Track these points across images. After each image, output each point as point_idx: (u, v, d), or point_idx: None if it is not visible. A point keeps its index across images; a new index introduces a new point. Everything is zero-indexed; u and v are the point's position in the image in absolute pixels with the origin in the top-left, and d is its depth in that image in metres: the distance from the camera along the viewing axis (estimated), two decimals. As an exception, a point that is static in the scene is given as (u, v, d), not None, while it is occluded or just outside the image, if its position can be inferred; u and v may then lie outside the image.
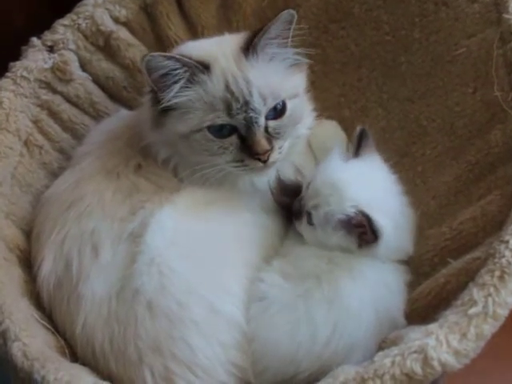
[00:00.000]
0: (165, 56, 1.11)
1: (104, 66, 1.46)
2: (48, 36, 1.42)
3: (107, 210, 1.14)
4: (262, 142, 1.13)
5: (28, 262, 1.21)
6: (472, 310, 0.89)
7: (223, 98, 1.13)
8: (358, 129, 1.21)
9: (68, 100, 1.43)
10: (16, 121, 1.32)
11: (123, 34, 1.46)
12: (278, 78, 1.17)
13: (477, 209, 1.12)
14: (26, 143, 1.34)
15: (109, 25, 1.44)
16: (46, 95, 1.39)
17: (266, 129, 1.15)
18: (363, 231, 1.08)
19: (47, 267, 1.14)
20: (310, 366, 1.04)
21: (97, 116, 1.45)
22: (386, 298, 1.09)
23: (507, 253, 0.94)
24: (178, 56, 1.12)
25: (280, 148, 1.17)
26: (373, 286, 1.09)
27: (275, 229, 1.21)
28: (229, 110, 1.12)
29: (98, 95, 1.46)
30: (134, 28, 1.48)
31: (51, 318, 1.15)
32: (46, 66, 1.39)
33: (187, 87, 1.13)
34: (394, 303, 1.10)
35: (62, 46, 1.41)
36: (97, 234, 1.12)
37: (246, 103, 1.12)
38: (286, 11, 1.13)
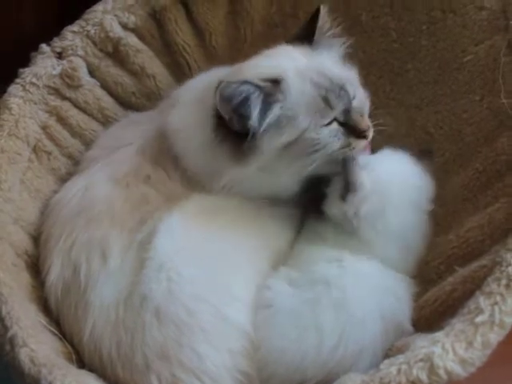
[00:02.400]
0: (238, 83, 1.10)
1: (112, 71, 1.47)
2: (57, 42, 1.42)
3: (117, 219, 1.14)
4: (365, 119, 1.17)
5: (36, 268, 1.21)
6: (478, 319, 0.89)
7: (318, 94, 1.13)
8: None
9: (77, 106, 1.43)
10: (25, 127, 1.33)
11: (132, 40, 1.47)
12: (340, 65, 1.20)
13: (484, 216, 1.11)
14: (34, 149, 1.34)
15: (117, 31, 1.45)
16: (54, 101, 1.40)
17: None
18: None
19: (55, 273, 1.14)
20: (317, 373, 1.04)
21: (105, 122, 1.46)
22: (392, 305, 1.08)
23: (514, 261, 0.94)
24: (250, 80, 1.11)
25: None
26: (380, 293, 1.08)
27: (284, 235, 1.20)
28: (328, 103, 1.13)
29: (106, 101, 1.47)
30: (142, 34, 1.49)
31: (59, 323, 1.15)
32: (55, 73, 1.39)
33: (270, 104, 1.11)
34: (401, 310, 1.09)
35: (70, 52, 1.42)
36: (105, 242, 1.12)
37: (342, 88, 1.14)
38: (321, 6, 1.20)
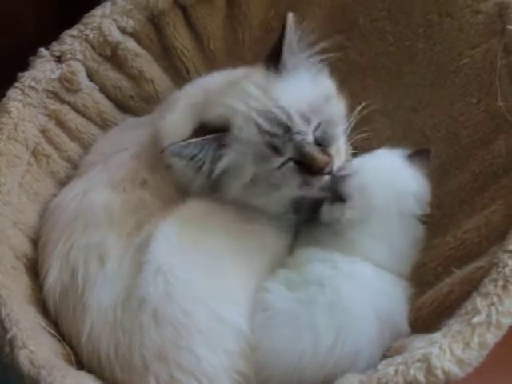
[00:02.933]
0: (183, 145, 1.11)
1: (111, 75, 1.48)
2: (56, 47, 1.43)
3: (114, 224, 1.15)
4: (319, 157, 1.10)
5: (35, 271, 1.22)
6: (475, 319, 0.90)
7: (263, 141, 1.10)
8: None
9: (75, 109, 1.44)
10: (24, 130, 1.33)
11: (130, 44, 1.48)
12: (310, 89, 1.15)
13: (481, 218, 1.12)
14: (33, 152, 1.35)
15: (116, 35, 1.45)
16: (53, 105, 1.40)
17: (316, 142, 1.12)
18: None
19: (53, 276, 1.15)
20: (315, 375, 1.04)
21: (104, 125, 1.46)
22: (387, 306, 1.09)
23: (510, 262, 0.94)
24: (195, 140, 1.11)
25: (338, 150, 1.15)
26: (374, 293, 1.09)
27: (281, 238, 1.21)
28: (275, 150, 1.10)
29: (105, 105, 1.47)
30: (140, 38, 1.49)
31: (57, 325, 1.15)
32: (54, 77, 1.40)
33: (220, 155, 1.12)
34: (396, 310, 1.10)
35: (69, 56, 1.42)
36: (103, 246, 1.13)
37: (288, 130, 1.10)
38: (288, 16, 1.13)
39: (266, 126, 1.10)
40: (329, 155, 1.12)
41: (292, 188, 1.13)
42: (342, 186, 1.14)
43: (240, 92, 1.15)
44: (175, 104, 1.27)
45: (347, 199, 1.13)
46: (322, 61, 1.20)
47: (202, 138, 1.11)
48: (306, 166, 1.11)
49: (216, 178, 1.14)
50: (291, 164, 1.11)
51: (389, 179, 1.17)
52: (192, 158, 1.11)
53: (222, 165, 1.12)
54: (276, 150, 1.09)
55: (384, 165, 1.20)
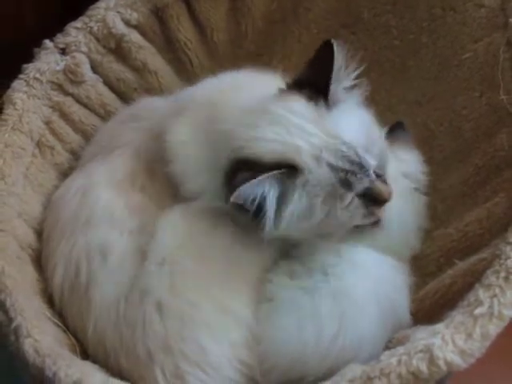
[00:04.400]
0: (253, 184, 0.97)
1: (115, 67, 1.48)
2: (60, 38, 1.43)
3: (116, 223, 1.14)
4: (384, 188, 1.04)
5: (40, 261, 1.22)
6: (478, 311, 0.90)
7: (336, 180, 1.00)
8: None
9: (79, 101, 1.44)
10: (29, 122, 1.33)
11: (134, 36, 1.48)
12: (360, 117, 1.07)
13: (483, 211, 1.13)
14: (38, 144, 1.35)
15: (120, 28, 1.46)
16: (57, 97, 1.40)
17: (376, 174, 1.04)
18: None
19: (59, 275, 1.15)
20: (317, 366, 1.05)
21: (107, 117, 1.46)
22: (390, 296, 1.09)
23: (512, 254, 0.95)
24: (264, 176, 0.98)
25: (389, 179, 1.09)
26: (377, 283, 1.09)
27: None
28: (348, 186, 1.01)
29: (108, 97, 1.48)
30: (144, 31, 1.50)
31: (62, 317, 1.15)
32: (58, 68, 1.40)
33: (287, 198, 1.01)
34: (398, 300, 1.10)
35: (74, 48, 1.42)
36: (105, 243, 1.13)
37: (360, 167, 1.01)
38: (334, 44, 1.03)
39: (339, 163, 1.00)
40: (389, 185, 1.07)
41: (356, 221, 1.07)
42: None
43: (289, 129, 1.02)
44: (182, 114, 1.19)
45: None
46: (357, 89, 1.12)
47: (273, 173, 0.98)
48: (373, 199, 1.04)
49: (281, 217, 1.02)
50: (355, 200, 1.03)
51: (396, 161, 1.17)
52: (261, 199, 0.99)
53: (290, 209, 1.01)
54: (349, 187, 1.01)
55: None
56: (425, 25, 1.38)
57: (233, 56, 1.55)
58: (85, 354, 1.11)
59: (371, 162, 1.02)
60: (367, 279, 1.09)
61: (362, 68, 1.08)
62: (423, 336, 0.92)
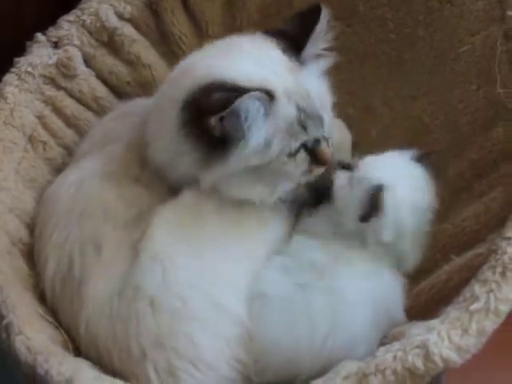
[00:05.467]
0: (245, 99, 1.00)
1: (108, 61, 1.46)
2: (53, 32, 1.42)
3: (110, 216, 1.13)
4: (328, 151, 1.12)
5: (31, 257, 1.21)
6: (473, 306, 0.90)
7: (298, 119, 1.07)
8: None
9: (72, 96, 1.43)
10: (21, 116, 1.32)
11: (127, 30, 1.46)
12: (320, 83, 1.14)
13: (480, 206, 1.12)
14: (30, 138, 1.34)
15: (113, 21, 1.44)
16: (50, 91, 1.39)
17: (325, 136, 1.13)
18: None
19: (51, 269, 1.14)
20: (311, 363, 1.04)
21: (100, 111, 1.45)
22: (383, 294, 1.08)
23: (509, 249, 0.94)
24: (256, 94, 1.01)
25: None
26: (370, 281, 1.09)
27: (279, 224, 1.19)
28: (305, 129, 1.08)
29: (101, 90, 1.46)
30: (138, 24, 1.48)
31: (54, 313, 1.15)
32: (51, 62, 1.39)
33: (264, 122, 1.05)
34: (392, 299, 1.10)
35: (66, 41, 1.41)
36: (99, 236, 1.12)
37: (319, 118, 1.10)
38: (323, 9, 1.09)
39: (305, 103, 1.08)
40: (331, 149, 1.14)
41: (298, 175, 1.12)
42: (377, 202, 1.10)
43: (268, 66, 1.08)
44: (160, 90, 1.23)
45: (380, 216, 1.10)
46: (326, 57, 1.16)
47: (257, 92, 1.02)
48: (316, 156, 1.11)
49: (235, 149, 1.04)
50: (302, 152, 1.10)
51: (418, 199, 1.14)
52: (244, 120, 1.02)
53: (265, 130, 1.05)
54: (305, 130, 1.08)
55: (411, 181, 1.15)
56: (421, 18, 1.38)
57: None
58: (77, 351, 1.10)
59: (326, 119, 1.11)
60: (360, 278, 1.08)
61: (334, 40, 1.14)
62: (419, 332, 0.91)
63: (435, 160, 1.19)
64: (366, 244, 1.12)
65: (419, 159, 1.17)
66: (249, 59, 1.09)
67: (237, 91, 1.01)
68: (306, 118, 1.08)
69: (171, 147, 1.11)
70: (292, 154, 1.09)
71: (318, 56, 1.14)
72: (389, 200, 1.10)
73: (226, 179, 1.09)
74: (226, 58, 1.11)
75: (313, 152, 1.11)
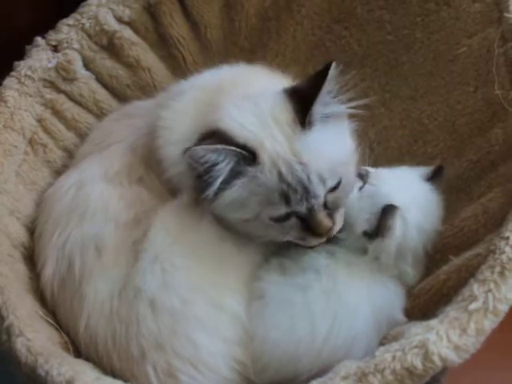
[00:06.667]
0: (209, 149, 1.01)
1: (108, 64, 1.47)
2: (52, 35, 1.42)
3: (110, 216, 1.14)
4: (325, 223, 1.05)
5: (32, 260, 1.21)
6: (472, 306, 0.90)
7: (279, 189, 1.03)
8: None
9: (72, 99, 1.43)
10: (20, 119, 1.33)
11: (127, 33, 1.47)
12: (335, 147, 1.07)
13: (478, 206, 1.12)
14: (30, 142, 1.35)
15: (112, 24, 1.45)
16: (50, 94, 1.40)
17: (325, 204, 1.06)
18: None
19: (50, 269, 1.14)
20: (311, 364, 1.04)
21: (100, 114, 1.46)
22: (382, 296, 1.09)
23: (507, 249, 0.94)
24: (223, 146, 1.02)
25: (341, 216, 1.10)
26: (369, 284, 1.09)
27: None
28: (287, 201, 1.03)
29: (101, 94, 1.47)
30: (137, 27, 1.49)
31: (54, 315, 1.15)
32: (50, 66, 1.40)
33: (234, 179, 1.03)
34: (392, 301, 1.10)
35: (66, 45, 1.42)
36: (100, 237, 1.12)
37: (306, 191, 1.03)
38: (332, 66, 1.02)
39: (289, 177, 1.03)
40: (333, 221, 1.08)
41: (288, 237, 1.09)
42: (387, 222, 1.10)
43: (266, 128, 1.05)
44: (181, 95, 1.21)
45: (387, 236, 1.10)
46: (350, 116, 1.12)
47: (234, 148, 1.02)
48: (310, 227, 1.06)
49: (221, 194, 1.05)
50: (294, 220, 1.06)
51: (427, 223, 1.14)
52: (212, 166, 1.02)
53: (235, 187, 1.04)
54: (287, 202, 1.03)
55: (423, 204, 1.14)
56: (418, 20, 1.38)
57: (226, 53, 1.54)
58: (77, 352, 1.11)
59: (319, 191, 1.04)
60: (360, 283, 1.09)
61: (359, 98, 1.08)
62: (418, 332, 0.91)
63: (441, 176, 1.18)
64: (367, 254, 1.12)
65: (430, 177, 1.17)
66: (254, 116, 1.06)
67: (223, 142, 1.03)
68: (288, 191, 1.03)
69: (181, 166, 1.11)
70: (279, 220, 1.06)
71: (337, 116, 1.07)
72: (399, 223, 1.10)
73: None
74: (235, 107, 1.09)
75: (306, 222, 1.06)
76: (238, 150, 1.02)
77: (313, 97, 1.03)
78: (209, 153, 1.01)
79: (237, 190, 1.04)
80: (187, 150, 1.01)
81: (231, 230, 1.11)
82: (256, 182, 1.03)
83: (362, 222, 1.12)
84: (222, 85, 1.17)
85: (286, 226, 1.06)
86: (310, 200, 1.03)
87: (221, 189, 1.04)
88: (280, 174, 1.03)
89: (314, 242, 1.09)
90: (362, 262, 1.12)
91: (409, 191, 1.14)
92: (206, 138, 1.05)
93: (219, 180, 1.03)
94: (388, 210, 1.09)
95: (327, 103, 1.05)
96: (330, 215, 1.07)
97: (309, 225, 1.06)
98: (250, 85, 1.16)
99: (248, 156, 1.03)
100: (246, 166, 1.03)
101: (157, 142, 1.17)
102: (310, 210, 1.04)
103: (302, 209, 1.04)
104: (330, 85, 1.03)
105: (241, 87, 1.15)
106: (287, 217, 1.05)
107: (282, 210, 1.04)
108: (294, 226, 1.06)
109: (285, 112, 1.05)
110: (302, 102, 1.04)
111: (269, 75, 1.22)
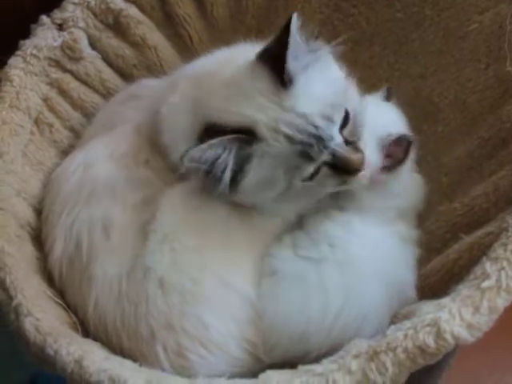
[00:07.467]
0: (203, 147, 1.00)
1: (113, 43, 1.46)
2: (57, 14, 1.41)
3: (118, 197, 1.13)
4: (354, 158, 1.04)
5: (40, 240, 1.21)
6: (485, 284, 0.89)
7: (295, 152, 1.01)
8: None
9: (78, 78, 1.42)
10: (26, 99, 1.32)
11: (132, 11, 1.46)
12: (325, 84, 1.05)
13: (489, 184, 1.11)
14: (36, 121, 1.34)
15: (118, 2, 1.44)
16: (55, 73, 1.39)
17: (346, 141, 1.05)
18: None
19: (58, 249, 1.14)
20: (322, 341, 1.04)
21: (107, 94, 1.45)
22: (397, 272, 1.09)
23: (520, 227, 0.93)
24: (216, 140, 1.00)
25: (365, 143, 1.09)
26: (385, 258, 1.09)
27: (290, 207, 1.17)
28: (309, 157, 1.02)
29: (107, 73, 1.46)
30: (143, 6, 1.48)
31: (63, 295, 1.15)
32: (56, 44, 1.39)
33: (246, 164, 1.03)
34: (405, 275, 1.10)
35: (71, 24, 1.41)
36: (107, 217, 1.12)
37: (320, 139, 1.01)
38: (292, 18, 0.99)
39: (297, 135, 1.01)
40: (361, 152, 1.06)
41: (329, 189, 1.08)
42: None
43: (252, 102, 1.04)
44: (177, 88, 1.19)
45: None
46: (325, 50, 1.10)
47: (228, 137, 1.01)
48: (342, 168, 1.05)
49: (240, 183, 1.05)
50: (325, 169, 1.05)
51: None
52: (214, 162, 1.02)
53: (248, 175, 1.04)
54: (310, 158, 1.02)
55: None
56: (428, -4, 1.37)
57: (233, 31, 1.53)
58: (86, 332, 1.10)
59: (332, 132, 1.02)
60: (376, 257, 1.08)
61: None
62: (430, 310, 0.91)
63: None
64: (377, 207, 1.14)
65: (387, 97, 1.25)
66: (237, 96, 1.05)
67: (217, 135, 1.01)
68: (304, 148, 1.02)
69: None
70: (311, 177, 1.04)
71: (315, 57, 1.06)
72: None
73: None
74: (218, 96, 1.08)
75: (336, 165, 1.05)
76: (233, 136, 1.01)
77: (283, 55, 1.00)
78: (205, 151, 1.01)
79: (255, 173, 1.04)
80: (183, 156, 1.01)
81: (261, 211, 1.11)
82: (269, 156, 1.02)
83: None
84: (211, 70, 1.15)
85: (321, 178, 1.05)
86: (328, 145, 1.02)
87: (237, 180, 1.03)
88: (287, 137, 1.01)
89: (354, 181, 1.08)
90: (373, 225, 1.12)
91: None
92: (203, 137, 1.04)
93: (228, 172, 1.02)
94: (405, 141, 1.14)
95: (300, 55, 1.03)
96: (356, 148, 1.06)
97: (341, 167, 1.04)
98: (234, 63, 1.13)
99: (246, 137, 1.02)
100: (251, 147, 1.02)
101: (162, 140, 1.16)
102: (334, 153, 1.03)
103: (326, 156, 1.03)
104: (296, 39, 1.01)
105: (225, 69, 1.12)
106: (317, 171, 1.04)
107: (309, 167, 1.03)
108: (329, 175, 1.05)
109: (263, 79, 1.04)
110: (275, 63, 1.02)
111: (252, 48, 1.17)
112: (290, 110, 1.02)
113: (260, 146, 1.02)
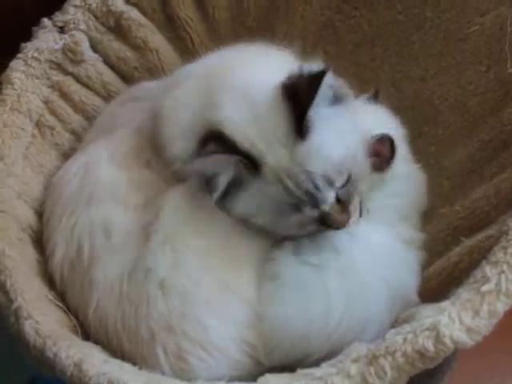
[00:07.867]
0: (207, 161, 1.03)
1: (115, 46, 1.46)
2: (59, 17, 1.42)
3: (119, 199, 1.13)
4: (339, 219, 1.05)
5: (41, 243, 1.21)
6: (485, 288, 0.88)
7: (287, 202, 1.03)
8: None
9: (79, 81, 1.43)
10: (27, 101, 1.32)
11: (134, 14, 1.46)
12: (338, 147, 1.04)
13: (490, 187, 1.11)
14: (37, 124, 1.34)
15: (119, 5, 1.44)
16: (56, 76, 1.39)
17: (338, 200, 1.05)
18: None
19: (60, 253, 1.14)
20: (322, 345, 1.04)
21: (108, 97, 1.45)
22: (399, 276, 1.08)
23: (520, 230, 0.93)
24: (222, 157, 1.02)
25: (356, 206, 1.10)
26: (388, 263, 1.09)
27: None
28: (298, 209, 1.03)
29: (109, 76, 1.46)
30: (144, 8, 1.48)
31: (63, 299, 1.15)
32: (57, 47, 1.39)
33: (239, 190, 1.04)
34: (408, 281, 1.10)
35: (72, 26, 1.41)
36: (108, 219, 1.12)
37: (315, 199, 1.02)
38: (325, 73, 0.99)
39: (294, 189, 1.01)
40: (348, 214, 1.07)
41: (306, 232, 1.08)
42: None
43: (266, 137, 1.02)
44: (183, 83, 1.19)
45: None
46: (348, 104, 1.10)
47: (235, 158, 1.01)
48: (326, 223, 1.06)
49: (228, 203, 1.06)
50: (310, 219, 1.06)
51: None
52: (212, 177, 1.03)
53: (240, 202, 1.05)
54: (298, 210, 1.03)
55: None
56: (429, -2, 1.37)
57: (234, 34, 1.52)
58: (86, 335, 1.10)
59: (328, 196, 1.03)
60: (378, 257, 1.08)
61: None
62: (429, 314, 0.90)
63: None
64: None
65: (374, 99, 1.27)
66: (256, 122, 1.03)
67: (223, 148, 1.02)
68: (297, 202, 1.02)
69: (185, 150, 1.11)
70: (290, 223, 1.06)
71: (334, 104, 1.05)
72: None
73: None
74: (233, 108, 1.06)
75: (321, 216, 1.05)
76: (239, 158, 1.01)
77: (307, 103, 1.00)
78: (209, 164, 1.03)
79: (244, 203, 1.05)
80: (186, 161, 1.04)
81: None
82: (261, 195, 1.03)
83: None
84: (220, 71, 1.14)
85: (304, 223, 1.06)
86: (320, 205, 1.03)
87: (227, 198, 1.05)
88: (285, 187, 1.02)
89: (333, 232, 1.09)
90: (380, 240, 1.12)
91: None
92: (207, 141, 1.05)
93: (221, 187, 1.03)
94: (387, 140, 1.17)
95: (323, 106, 1.03)
96: (344, 208, 1.06)
97: (325, 223, 1.05)
98: (247, 70, 1.12)
99: (251, 167, 1.02)
100: (251, 178, 1.03)
101: (161, 138, 1.16)
102: (322, 211, 1.04)
103: (314, 214, 1.04)
104: (325, 92, 1.01)
105: (238, 74, 1.12)
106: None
107: (296, 216, 1.04)
108: (312, 223, 1.06)
109: (281, 118, 1.03)
110: (298, 108, 1.01)
111: (267, 56, 1.18)
112: (299, 165, 1.01)
113: (259, 181, 1.03)
